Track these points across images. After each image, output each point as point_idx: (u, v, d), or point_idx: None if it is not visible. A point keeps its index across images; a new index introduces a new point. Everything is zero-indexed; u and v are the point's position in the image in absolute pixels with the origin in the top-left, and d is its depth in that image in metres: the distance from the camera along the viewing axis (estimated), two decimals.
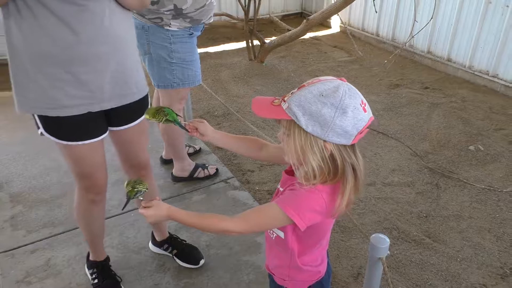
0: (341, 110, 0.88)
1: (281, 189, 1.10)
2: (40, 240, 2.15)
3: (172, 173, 2.58)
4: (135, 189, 1.15)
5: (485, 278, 1.96)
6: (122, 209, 1.18)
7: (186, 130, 1.27)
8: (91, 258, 1.91)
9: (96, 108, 1.41)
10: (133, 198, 1.15)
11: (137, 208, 1.73)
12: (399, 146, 2.98)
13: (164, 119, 1.28)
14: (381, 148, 2.97)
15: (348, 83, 0.93)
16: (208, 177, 2.59)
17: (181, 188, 2.53)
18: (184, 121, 1.34)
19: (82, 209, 1.70)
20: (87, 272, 1.93)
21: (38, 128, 1.42)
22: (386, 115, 3.40)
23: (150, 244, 2.06)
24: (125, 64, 1.42)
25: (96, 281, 1.87)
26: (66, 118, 1.37)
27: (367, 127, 0.93)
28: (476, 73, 3.91)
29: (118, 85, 1.42)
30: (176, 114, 1.31)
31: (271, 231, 1.13)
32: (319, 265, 1.18)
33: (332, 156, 0.94)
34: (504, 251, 2.11)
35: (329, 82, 0.92)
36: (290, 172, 1.08)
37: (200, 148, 2.89)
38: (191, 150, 2.82)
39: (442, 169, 2.72)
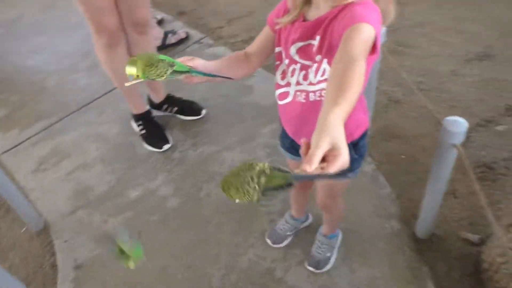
0: None
1: (311, 41, 0.90)
2: (37, 134, 2.15)
3: None
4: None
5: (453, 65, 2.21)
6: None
7: (212, 75, 0.94)
8: (134, 112, 1.99)
9: None
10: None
11: None
12: None
13: (169, 72, 0.89)
14: None
15: None
16: (180, 41, 2.56)
17: None
18: None
19: (100, 55, 1.74)
20: (134, 126, 2.02)
21: None
22: None
23: (150, 108, 2.10)
24: None
25: (144, 131, 1.98)
26: None
27: None
28: None
29: None
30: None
31: (305, 94, 0.97)
32: (365, 113, 1.07)
33: None
34: (467, 40, 2.34)
35: None
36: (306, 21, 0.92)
37: (163, 18, 2.79)
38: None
39: None
